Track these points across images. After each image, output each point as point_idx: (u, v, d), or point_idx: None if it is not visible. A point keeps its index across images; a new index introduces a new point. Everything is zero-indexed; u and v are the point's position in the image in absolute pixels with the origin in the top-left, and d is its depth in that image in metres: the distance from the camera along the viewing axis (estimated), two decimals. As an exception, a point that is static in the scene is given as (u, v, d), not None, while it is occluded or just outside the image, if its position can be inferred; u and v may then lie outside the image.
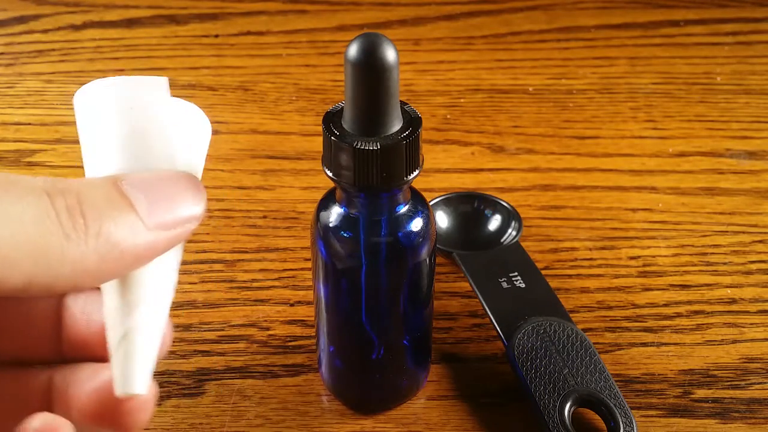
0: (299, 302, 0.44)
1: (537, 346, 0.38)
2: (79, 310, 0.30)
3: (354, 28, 0.69)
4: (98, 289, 0.29)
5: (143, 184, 0.27)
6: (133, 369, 0.26)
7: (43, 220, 0.25)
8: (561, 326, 0.39)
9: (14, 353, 0.31)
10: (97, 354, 0.30)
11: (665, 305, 0.44)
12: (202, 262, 0.46)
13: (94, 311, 0.30)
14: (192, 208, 0.27)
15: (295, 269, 0.46)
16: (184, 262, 0.39)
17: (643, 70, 0.64)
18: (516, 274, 0.42)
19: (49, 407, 0.30)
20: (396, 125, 0.32)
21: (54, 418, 0.26)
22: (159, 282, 0.28)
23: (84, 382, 0.29)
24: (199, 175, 0.29)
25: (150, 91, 0.28)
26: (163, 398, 0.39)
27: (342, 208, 0.34)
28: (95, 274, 0.25)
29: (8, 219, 0.24)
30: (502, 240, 0.46)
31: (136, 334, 0.27)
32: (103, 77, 0.30)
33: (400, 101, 0.32)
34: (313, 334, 0.41)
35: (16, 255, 0.24)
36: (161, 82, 0.28)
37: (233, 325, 0.42)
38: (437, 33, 0.68)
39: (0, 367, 0.30)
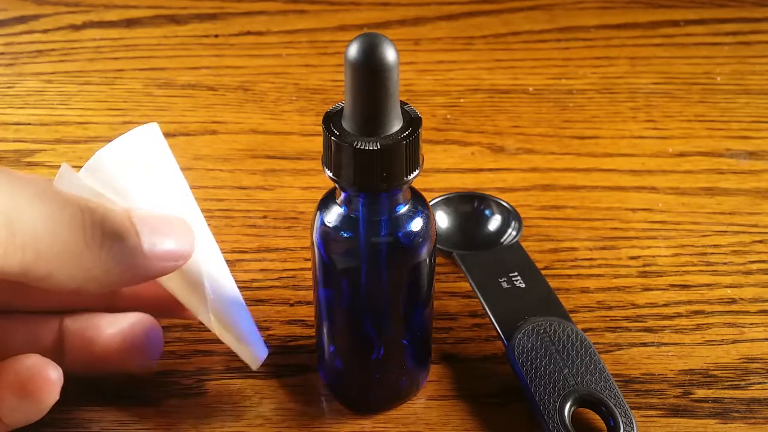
0: (299, 302, 0.44)
1: (537, 346, 0.38)
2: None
3: (354, 28, 0.69)
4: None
5: (149, 218, 0.33)
6: (250, 350, 0.36)
7: (75, 228, 0.30)
8: (561, 326, 0.39)
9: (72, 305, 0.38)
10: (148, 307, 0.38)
11: (665, 305, 0.44)
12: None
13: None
14: (183, 247, 0.33)
15: (295, 269, 0.46)
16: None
17: (643, 70, 0.64)
18: (516, 274, 0.42)
19: (60, 348, 0.37)
20: (396, 125, 0.32)
21: (44, 360, 0.33)
22: (221, 274, 0.36)
23: (104, 328, 0.37)
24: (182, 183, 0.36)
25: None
26: (163, 398, 0.39)
27: (342, 208, 0.34)
28: (98, 282, 0.31)
29: (50, 221, 0.30)
30: (502, 240, 0.46)
31: (231, 327, 0.36)
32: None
33: (400, 101, 0.32)
34: (313, 334, 0.41)
35: (48, 251, 0.30)
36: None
37: (233, 325, 0.42)
38: (437, 33, 0.68)
39: (13, 315, 0.37)
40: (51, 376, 0.33)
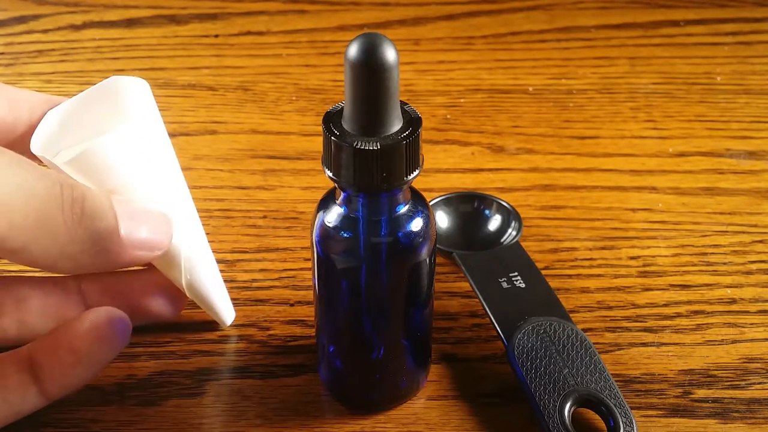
0: (299, 302, 0.44)
1: (537, 346, 0.38)
2: None
3: (354, 28, 0.69)
4: None
5: (129, 205, 0.33)
6: (221, 309, 0.41)
7: (52, 201, 0.29)
8: (561, 326, 0.39)
9: None
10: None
11: (665, 305, 0.44)
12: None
13: None
14: (159, 239, 0.34)
15: (295, 269, 0.46)
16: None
17: (643, 70, 0.64)
18: (516, 274, 0.42)
19: (82, 308, 0.38)
20: (396, 125, 0.32)
21: (118, 311, 0.34)
22: (194, 239, 0.37)
23: (133, 282, 0.39)
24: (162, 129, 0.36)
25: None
26: (163, 398, 0.39)
27: (342, 208, 0.34)
28: (72, 262, 0.31)
29: (26, 191, 0.29)
30: (502, 240, 0.46)
31: (204, 288, 0.39)
32: (104, 75, 0.33)
33: (400, 101, 0.32)
34: (313, 334, 0.41)
35: (23, 222, 0.29)
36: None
37: (233, 325, 0.42)
38: (437, 33, 0.68)
39: (26, 280, 0.38)
40: (126, 321, 0.34)
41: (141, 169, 0.34)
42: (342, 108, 0.32)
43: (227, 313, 0.41)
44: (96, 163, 0.33)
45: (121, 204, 0.32)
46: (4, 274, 0.39)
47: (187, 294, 0.39)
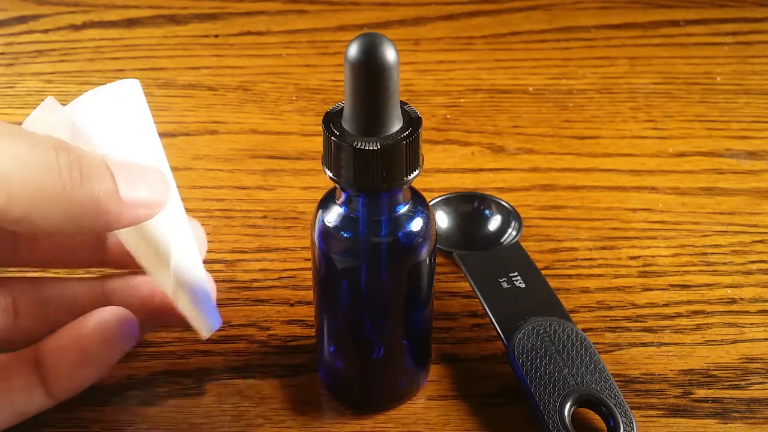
0: (299, 302, 0.44)
1: (537, 346, 0.38)
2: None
3: (354, 28, 0.69)
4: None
5: (124, 165, 0.32)
6: (204, 318, 0.35)
7: (48, 168, 0.29)
8: (561, 326, 0.39)
9: (64, 261, 0.39)
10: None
11: (665, 305, 0.44)
12: (202, 261, 0.46)
13: None
14: (157, 195, 0.33)
15: (295, 269, 0.46)
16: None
17: (643, 70, 0.64)
18: (516, 274, 0.42)
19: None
20: (396, 125, 0.32)
21: (125, 311, 0.35)
22: (181, 238, 0.35)
23: (137, 290, 0.38)
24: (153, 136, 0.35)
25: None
26: (163, 398, 0.39)
27: (342, 208, 0.34)
28: (73, 225, 0.31)
29: (20, 161, 0.29)
30: (502, 240, 0.46)
31: (188, 293, 0.35)
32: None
33: (400, 101, 0.32)
34: (313, 334, 0.41)
35: (20, 192, 0.29)
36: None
37: (233, 325, 0.42)
38: (437, 33, 0.69)
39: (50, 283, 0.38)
40: (133, 320, 0.35)
41: (129, 138, 0.34)
42: (342, 108, 0.32)
43: (213, 318, 0.36)
44: (79, 127, 0.33)
45: (116, 165, 0.32)
46: (29, 275, 0.39)
47: (172, 285, 0.35)
